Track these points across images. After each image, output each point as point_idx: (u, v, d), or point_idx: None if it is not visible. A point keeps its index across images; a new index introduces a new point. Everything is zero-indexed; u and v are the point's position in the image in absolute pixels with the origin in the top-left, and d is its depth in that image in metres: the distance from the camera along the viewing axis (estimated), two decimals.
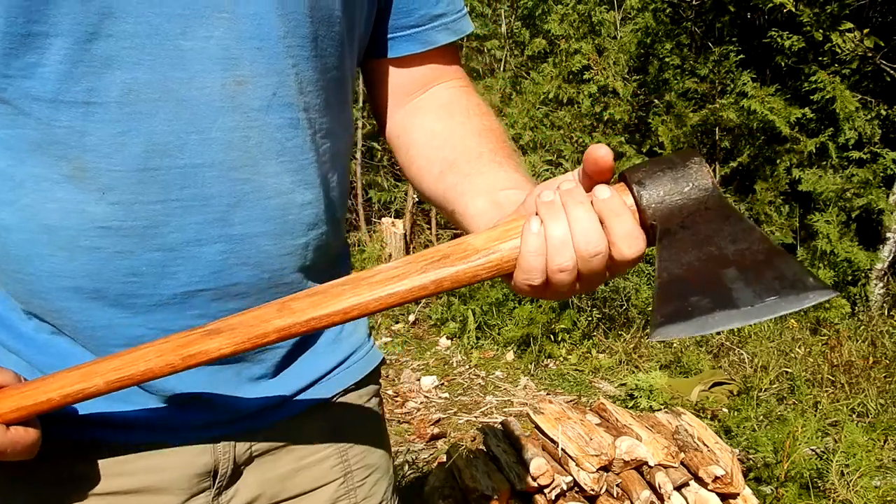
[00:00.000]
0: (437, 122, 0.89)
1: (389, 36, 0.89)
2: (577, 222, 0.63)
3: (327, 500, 0.89)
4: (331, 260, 0.86)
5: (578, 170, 0.68)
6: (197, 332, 0.66)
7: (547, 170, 4.98)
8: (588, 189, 0.66)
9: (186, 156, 0.70)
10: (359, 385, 0.92)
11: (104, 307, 0.73)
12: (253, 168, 0.73)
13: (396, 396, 3.94)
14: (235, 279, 0.75)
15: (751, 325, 4.47)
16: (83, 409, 0.76)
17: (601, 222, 0.64)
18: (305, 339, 0.86)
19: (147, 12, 0.67)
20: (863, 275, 4.73)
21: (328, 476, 0.89)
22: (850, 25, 4.55)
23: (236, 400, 0.81)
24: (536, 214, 0.65)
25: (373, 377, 0.95)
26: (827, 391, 3.68)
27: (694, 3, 5.23)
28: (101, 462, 0.77)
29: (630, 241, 0.63)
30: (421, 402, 3.87)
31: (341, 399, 0.90)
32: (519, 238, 0.65)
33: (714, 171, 5.13)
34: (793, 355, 4.06)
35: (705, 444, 2.29)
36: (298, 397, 0.86)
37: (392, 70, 0.92)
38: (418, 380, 4.13)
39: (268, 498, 0.86)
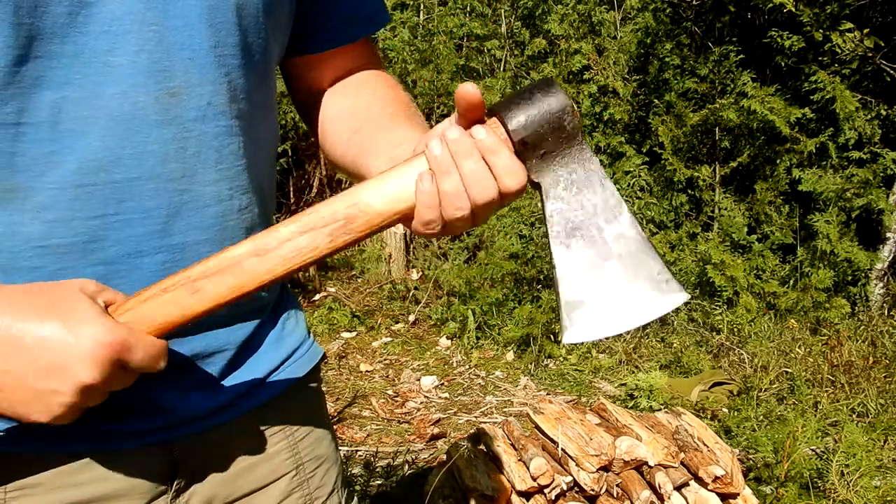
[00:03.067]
0: (346, 98, 0.93)
1: (310, 34, 0.91)
2: (471, 174, 0.67)
3: (281, 492, 0.91)
4: None
5: (454, 116, 0.71)
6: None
7: None
8: (466, 128, 0.69)
9: (122, 170, 0.70)
10: (303, 380, 0.94)
11: None
12: (191, 178, 0.74)
13: (396, 396, 3.94)
14: None
15: (751, 326, 4.47)
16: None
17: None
18: (249, 343, 0.87)
19: (72, 32, 0.67)
20: (863, 275, 4.72)
21: (281, 470, 0.91)
22: (850, 25, 4.55)
23: (185, 405, 0.81)
24: (429, 169, 0.69)
25: (315, 373, 0.97)
26: (827, 391, 3.67)
27: (694, 3, 5.23)
28: (50, 474, 0.75)
29: (511, 175, 0.68)
30: (421, 402, 3.87)
31: (287, 395, 0.92)
32: (412, 184, 0.68)
33: (714, 171, 5.12)
34: (793, 355, 4.05)
35: (705, 444, 2.29)
36: (247, 397, 0.87)
37: (313, 66, 0.94)
38: (418, 380, 4.12)
39: (224, 496, 0.87)
